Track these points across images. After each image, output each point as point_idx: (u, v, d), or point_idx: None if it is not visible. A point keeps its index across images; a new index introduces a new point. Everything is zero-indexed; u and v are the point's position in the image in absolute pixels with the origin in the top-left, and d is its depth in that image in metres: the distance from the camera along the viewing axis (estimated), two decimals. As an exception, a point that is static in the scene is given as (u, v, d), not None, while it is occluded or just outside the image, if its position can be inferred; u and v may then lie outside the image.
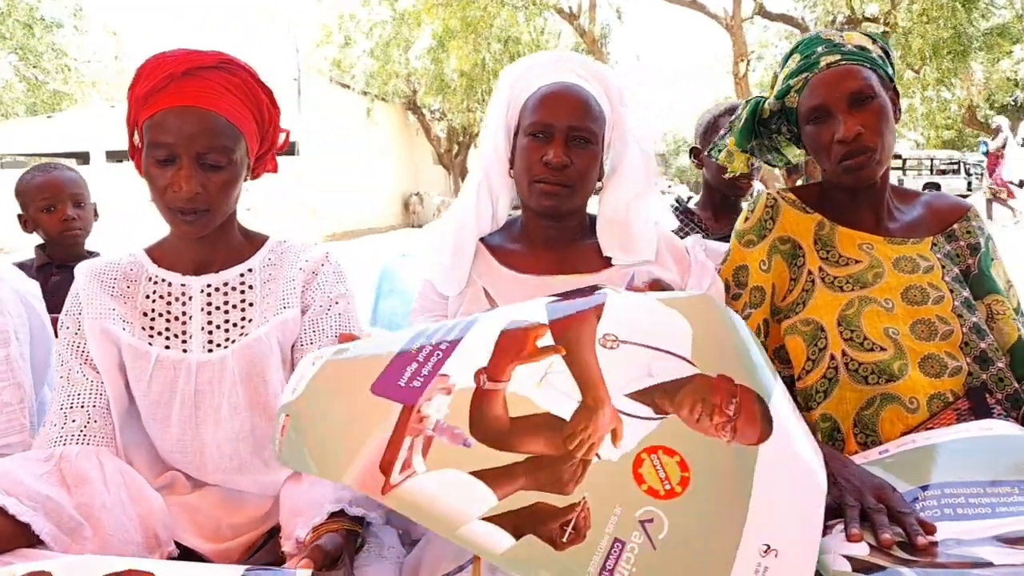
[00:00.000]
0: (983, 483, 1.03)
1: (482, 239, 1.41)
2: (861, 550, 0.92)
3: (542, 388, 0.82)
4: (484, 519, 0.73)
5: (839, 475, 1.06)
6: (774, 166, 1.52)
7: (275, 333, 1.18)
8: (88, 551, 0.95)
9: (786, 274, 1.33)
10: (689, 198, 2.29)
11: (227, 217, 1.20)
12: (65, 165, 2.15)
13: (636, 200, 1.36)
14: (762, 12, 13.45)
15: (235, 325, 1.19)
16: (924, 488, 1.05)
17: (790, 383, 1.27)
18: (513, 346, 0.86)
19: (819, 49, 1.29)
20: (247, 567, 0.83)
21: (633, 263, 1.33)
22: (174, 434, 1.16)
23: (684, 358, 0.86)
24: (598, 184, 1.38)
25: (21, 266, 2.08)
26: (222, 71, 1.14)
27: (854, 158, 1.23)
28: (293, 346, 1.21)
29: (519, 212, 1.43)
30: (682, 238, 1.44)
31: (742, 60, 12.51)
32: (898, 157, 18.43)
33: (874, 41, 1.32)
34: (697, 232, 2.11)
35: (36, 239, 2.11)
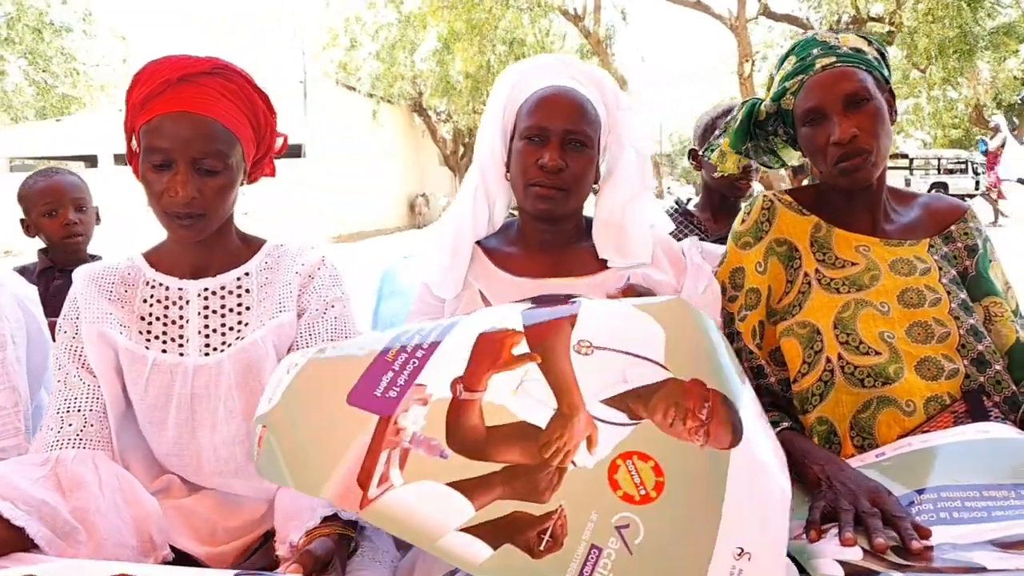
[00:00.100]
0: (980, 486, 1.03)
1: (478, 242, 1.41)
2: (854, 554, 0.92)
3: (518, 396, 0.82)
4: (462, 530, 0.73)
5: (834, 478, 1.05)
6: (771, 167, 1.52)
7: (271, 337, 1.18)
8: (83, 555, 0.96)
9: (782, 276, 1.32)
10: (689, 199, 2.29)
11: (224, 221, 1.20)
12: (67, 170, 2.16)
13: (632, 203, 1.36)
14: (767, 12, 13.43)
15: (231, 329, 1.19)
16: (920, 492, 1.04)
17: (786, 386, 1.27)
18: (489, 354, 0.86)
19: (814, 51, 1.29)
20: (236, 572, 0.84)
21: (629, 266, 1.33)
22: (170, 438, 1.16)
23: (657, 362, 0.86)
24: (594, 187, 1.38)
25: (24, 269, 2.10)
26: (218, 77, 1.15)
27: (850, 160, 1.22)
28: (289, 350, 1.21)
29: (516, 215, 1.44)
30: (679, 240, 1.44)
31: (747, 60, 12.49)
32: (905, 157, 18.30)
33: (870, 43, 1.32)
34: (696, 234, 2.11)
35: (40, 243, 2.12)
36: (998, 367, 1.20)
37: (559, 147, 1.26)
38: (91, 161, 17.30)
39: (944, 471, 1.06)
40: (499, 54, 15.09)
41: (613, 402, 0.82)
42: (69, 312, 1.19)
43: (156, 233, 1.22)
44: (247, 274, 1.23)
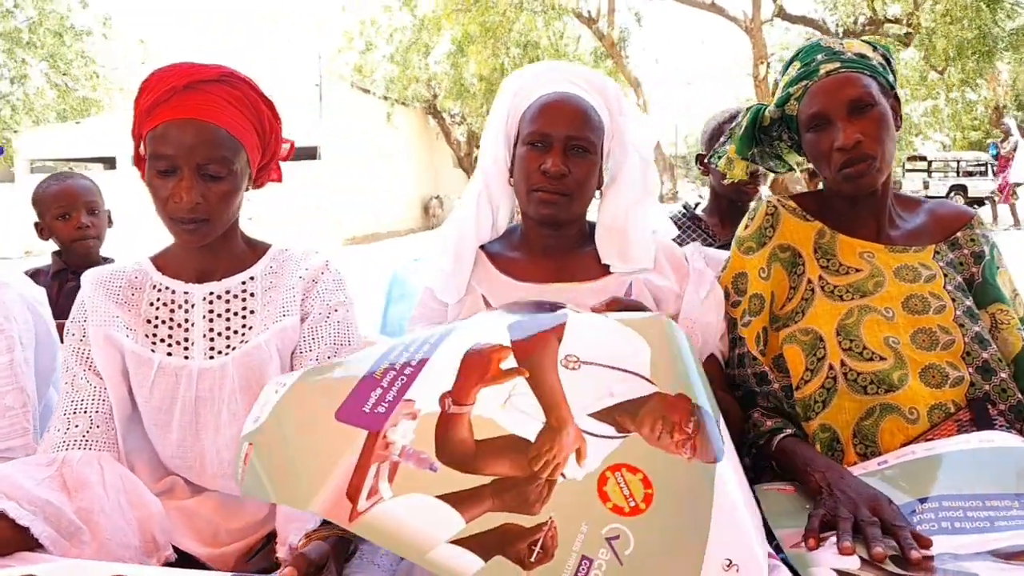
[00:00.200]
0: (983, 496, 1.02)
1: (482, 247, 1.41)
2: (852, 563, 0.91)
3: (506, 410, 0.82)
4: (452, 542, 0.74)
5: (834, 486, 1.05)
6: (776, 172, 1.51)
7: (275, 341, 1.19)
8: (87, 555, 0.97)
9: (785, 282, 1.32)
10: (696, 204, 2.28)
11: (229, 226, 1.22)
12: (79, 174, 2.20)
13: (634, 208, 1.36)
14: (782, 14, 13.34)
15: (236, 332, 1.21)
16: (922, 501, 1.03)
17: (789, 392, 1.26)
18: (477, 369, 0.86)
19: (819, 57, 1.28)
20: (234, 575, 0.84)
21: (631, 271, 1.33)
22: (174, 440, 1.18)
23: (644, 377, 0.87)
24: (597, 192, 1.38)
25: (38, 271, 2.14)
26: (223, 84, 1.16)
27: (854, 166, 1.22)
28: (293, 353, 1.23)
29: (519, 220, 1.44)
30: (681, 246, 1.44)
31: (762, 62, 12.42)
32: (923, 159, 18.09)
33: (875, 49, 1.31)
34: (704, 239, 2.10)
35: (55, 245, 2.16)
36: (1004, 375, 1.19)
37: (562, 153, 1.27)
38: (110, 163, 17.51)
39: (947, 480, 1.05)
40: (513, 57, 15.10)
41: (601, 415, 0.83)
42: (77, 315, 1.21)
43: (170, 234, 1.24)
44: (252, 278, 1.25)
